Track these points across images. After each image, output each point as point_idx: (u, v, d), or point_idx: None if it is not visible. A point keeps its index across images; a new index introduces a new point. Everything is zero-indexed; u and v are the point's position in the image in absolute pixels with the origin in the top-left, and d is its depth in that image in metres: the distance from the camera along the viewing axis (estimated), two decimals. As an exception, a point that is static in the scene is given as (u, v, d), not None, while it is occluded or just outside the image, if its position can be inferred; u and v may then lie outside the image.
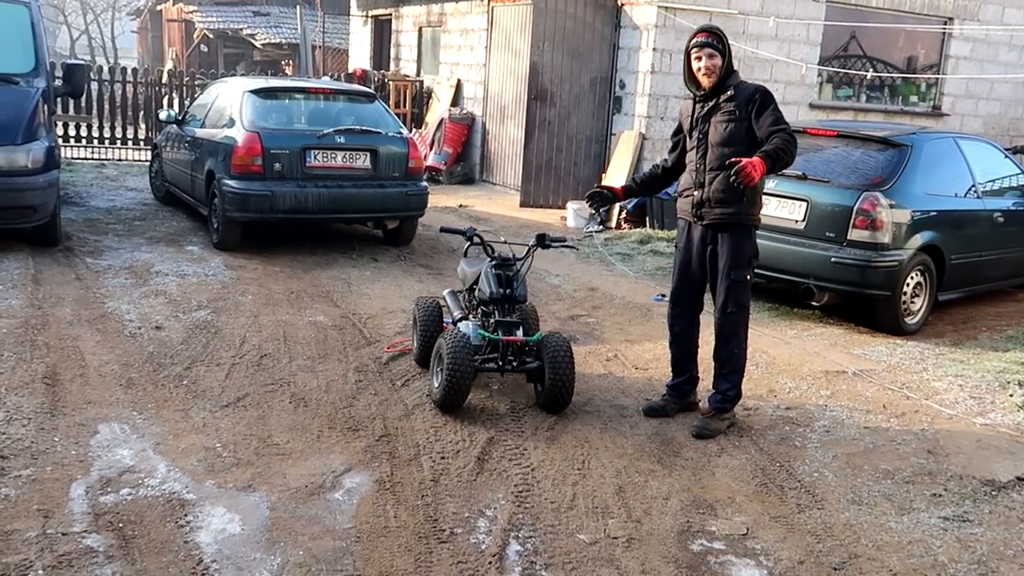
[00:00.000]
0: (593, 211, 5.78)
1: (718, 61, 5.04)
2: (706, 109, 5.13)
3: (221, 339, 6.24)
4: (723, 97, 5.07)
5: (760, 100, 4.99)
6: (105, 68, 16.38)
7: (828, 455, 4.97)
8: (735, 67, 5.18)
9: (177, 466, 4.36)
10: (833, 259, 7.30)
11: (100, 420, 4.81)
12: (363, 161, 9.10)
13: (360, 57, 20.47)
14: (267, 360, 5.91)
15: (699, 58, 5.07)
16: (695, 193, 5.19)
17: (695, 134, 5.19)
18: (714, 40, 5.05)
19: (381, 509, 4.08)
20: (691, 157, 5.24)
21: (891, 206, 7.24)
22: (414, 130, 15.94)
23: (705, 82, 5.09)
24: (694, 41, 5.09)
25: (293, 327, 6.63)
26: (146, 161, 13.71)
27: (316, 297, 7.52)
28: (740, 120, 5.01)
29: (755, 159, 4.71)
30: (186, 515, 3.92)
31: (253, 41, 28.29)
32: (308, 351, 6.15)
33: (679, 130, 5.42)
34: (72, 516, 3.83)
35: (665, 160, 5.58)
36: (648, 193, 6.38)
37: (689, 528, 4.11)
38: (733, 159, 4.78)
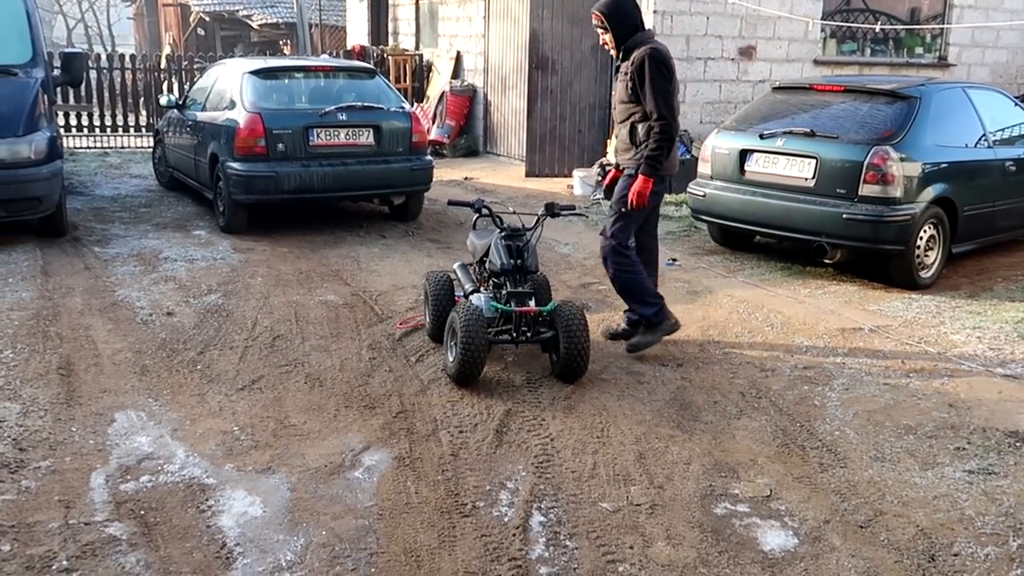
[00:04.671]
0: (600, 177, 6.10)
1: (608, 36, 5.64)
2: (616, 68, 5.77)
3: (233, 322, 6.22)
4: (622, 60, 5.64)
5: (636, 70, 5.47)
6: (103, 56, 16.29)
7: (848, 413, 4.94)
8: (643, 27, 5.66)
9: (196, 451, 4.35)
10: (845, 215, 7.22)
11: (116, 408, 4.80)
12: (366, 137, 9.04)
13: (358, 33, 20.32)
14: (280, 341, 5.88)
15: (597, 35, 5.80)
16: (614, 141, 5.90)
17: (613, 89, 5.91)
18: (598, 20, 5.62)
19: (402, 486, 4.06)
20: (613, 106, 5.90)
21: (902, 159, 7.15)
22: (415, 104, 15.84)
23: (612, 52, 5.71)
24: (592, 16, 5.71)
25: (304, 307, 6.60)
26: (149, 148, 13.65)
27: (326, 276, 7.49)
28: (627, 83, 5.56)
29: (638, 185, 5.50)
30: (207, 500, 3.91)
31: (249, 22, 28.12)
32: (320, 331, 6.12)
33: None
34: (93, 505, 3.83)
35: None
36: None
37: (712, 492, 4.08)
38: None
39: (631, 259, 5.75)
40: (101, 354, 5.57)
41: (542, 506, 3.92)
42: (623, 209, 5.64)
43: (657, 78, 5.43)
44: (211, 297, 6.76)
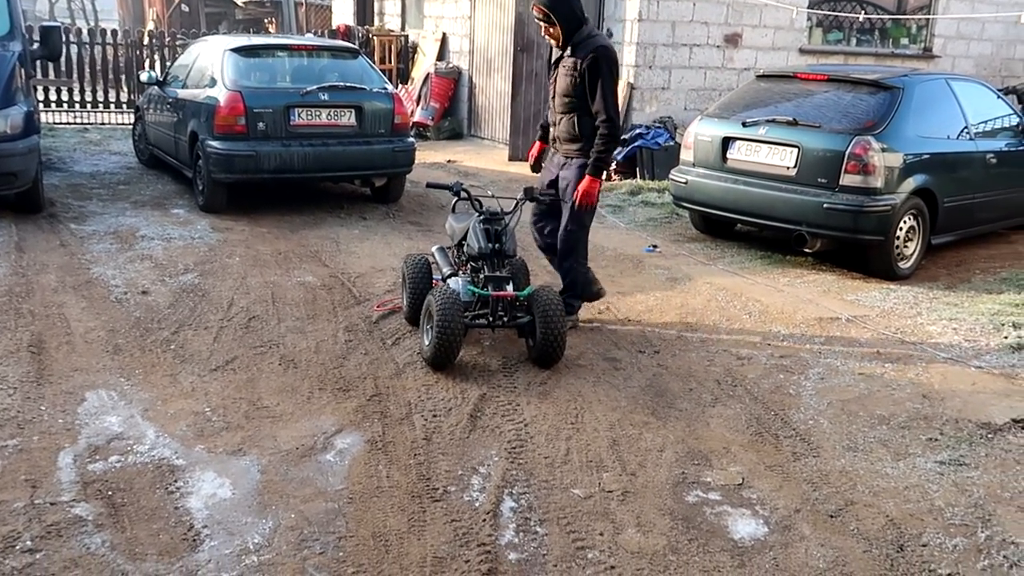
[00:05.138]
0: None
1: (555, 30, 5.56)
2: (556, 58, 5.72)
3: (208, 302, 6.17)
4: (567, 52, 5.60)
5: (588, 67, 5.47)
6: (84, 30, 16.08)
7: (823, 402, 4.94)
8: (586, 20, 5.63)
9: (166, 432, 4.31)
10: (825, 205, 7.22)
11: (87, 387, 4.75)
12: (348, 118, 8.97)
13: (343, 13, 20.16)
14: (255, 322, 5.84)
15: (540, 27, 5.69)
16: (551, 129, 5.87)
17: (550, 77, 5.81)
18: (543, 16, 5.53)
19: (373, 469, 4.04)
20: (551, 94, 5.85)
21: (883, 150, 7.15)
22: (400, 86, 15.74)
23: (554, 44, 5.69)
24: (532, 10, 5.62)
25: (281, 288, 6.55)
26: (129, 124, 13.51)
27: (304, 257, 7.44)
28: (577, 76, 5.52)
29: (585, 185, 5.53)
30: (176, 481, 3.87)
31: (234, -1, 27.85)
32: (297, 312, 6.08)
33: (549, 59, 5.93)
34: (60, 485, 3.79)
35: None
36: None
37: (684, 479, 4.08)
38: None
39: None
40: (73, 332, 5.51)
41: (513, 491, 3.90)
42: (578, 208, 5.71)
43: (608, 79, 5.50)
44: (187, 276, 6.70)
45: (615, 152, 5.73)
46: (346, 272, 7.05)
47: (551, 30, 5.58)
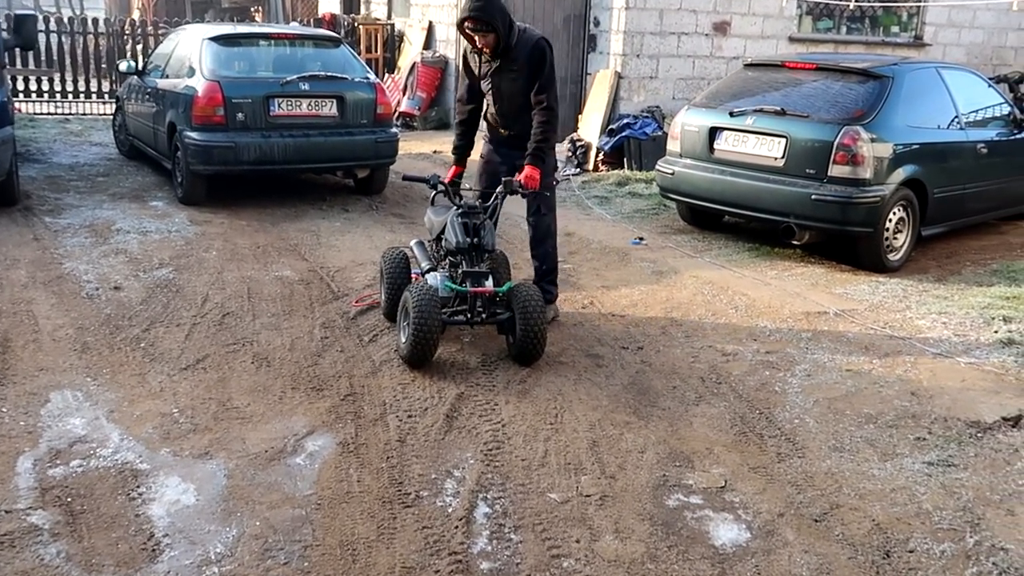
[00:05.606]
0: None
1: (491, 37, 5.39)
2: (494, 67, 5.57)
3: (182, 298, 6.02)
4: (504, 58, 5.50)
5: (537, 61, 5.48)
6: (65, 18, 15.84)
7: (809, 400, 4.82)
8: (514, 22, 5.51)
9: (131, 434, 4.17)
10: (813, 196, 7.09)
11: (52, 388, 4.61)
12: (329, 108, 8.81)
13: (329, 1, 19.93)
14: (229, 319, 5.69)
15: (473, 38, 5.45)
16: (501, 131, 5.82)
17: (487, 86, 5.68)
18: (482, 25, 5.34)
19: (344, 473, 3.91)
20: (489, 100, 5.76)
21: (872, 140, 7.02)
22: (386, 75, 15.56)
23: (488, 52, 5.51)
24: (465, 24, 5.38)
25: (258, 283, 6.41)
26: (111, 115, 13.31)
27: (283, 251, 7.29)
28: (524, 77, 5.50)
29: (528, 172, 5.46)
30: (138, 486, 3.74)
31: (221, -12, 27.52)
32: (273, 308, 5.94)
33: (469, 73, 5.83)
34: (17, 492, 3.65)
35: (464, 105, 5.93)
36: (472, 136, 6.13)
37: (665, 482, 3.96)
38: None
39: None
40: (41, 330, 5.36)
41: (488, 496, 3.78)
42: (553, 184, 5.87)
43: (551, 69, 5.54)
44: (162, 271, 6.55)
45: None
46: (325, 266, 6.90)
47: (487, 39, 5.42)
